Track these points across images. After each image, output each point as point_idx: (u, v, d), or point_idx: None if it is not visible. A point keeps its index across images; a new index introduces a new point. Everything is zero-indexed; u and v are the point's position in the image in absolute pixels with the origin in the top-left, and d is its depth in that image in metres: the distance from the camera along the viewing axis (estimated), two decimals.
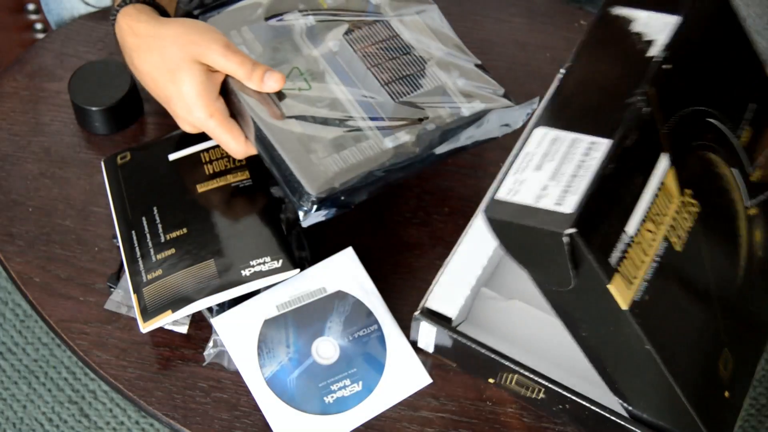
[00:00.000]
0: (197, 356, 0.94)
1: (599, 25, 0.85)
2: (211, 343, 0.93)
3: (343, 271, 0.95)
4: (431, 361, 0.94)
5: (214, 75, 0.94)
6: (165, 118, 1.09)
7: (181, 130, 1.01)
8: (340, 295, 0.94)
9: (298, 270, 0.93)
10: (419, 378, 0.93)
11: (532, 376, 0.88)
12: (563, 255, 0.72)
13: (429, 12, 1.05)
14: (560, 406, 0.89)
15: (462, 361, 0.93)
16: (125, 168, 1.01)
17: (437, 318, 0.91)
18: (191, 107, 0.93)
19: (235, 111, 0.96)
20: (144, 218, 0.97)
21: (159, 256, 0.94)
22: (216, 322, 0.92)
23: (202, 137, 1.01)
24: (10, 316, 1.68)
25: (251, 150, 0.95)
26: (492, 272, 0.98)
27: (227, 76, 0.95)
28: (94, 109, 1.06)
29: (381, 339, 0.93)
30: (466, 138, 0.96)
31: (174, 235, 0.95)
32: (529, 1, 1.21)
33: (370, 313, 0.94)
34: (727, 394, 0.84)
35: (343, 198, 0.91)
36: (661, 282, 0.77)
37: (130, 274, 0.94)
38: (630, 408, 0.85)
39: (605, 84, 0.81)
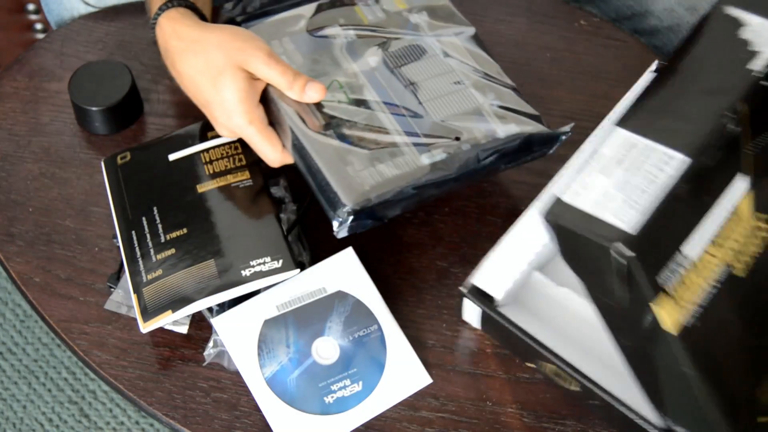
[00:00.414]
0: (197, 356, 0.94)
1: (707, 23, 0.81)
2: (211, 343, 0.93)
3: (344, 271, 0.95)
4: (432, 360, 0.94)
5: (256, 83, 0.94)
6: (165, 118, 1.09)
7: (180, 130, 1.02)
8: (340, 295, 0.94)
9: (298, 270, 0.93)
10: (419, 378, 0.93)
11: (568, 369, 0.87)
12: (617, 274, 0.70)
13: (467, 33, 1.06)
14: (593, 402, 0.87)
15: (503, 342, 0.92)
16: (125, 168, 1.01)
17: (482, 297, 0.90)
18: (231, 113, 0.93)
19: (273, 119, 0.96)
20: (144, 218, 0.97)
21: (159, 256, 0.94)
22: (216, 322, 0.92)
23: (202, 138, 1.01)
24: (10, 316, 1.68)
25: (287, 159, 0.95)
26: (549, 257, 0.95)
27: (268, 84, 0.95)
28: (94, 109, 1.06)
29: (381, 339, 0.93)
30: (499, 159, 0.97)
31: (174, 235, 0.95)
32: (529, 1, 1.21)
33: (370, 313, 0.94)
34: (764, 419, 0.82)
35: (377, 211, 0.92)
36: (716, 308, 0.74)
37: (130, 274, 0.94)
38: (664, 416, 0.83)
39: (697, 91, 0.77)
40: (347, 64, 1.00)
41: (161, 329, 0.95)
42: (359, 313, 0.93)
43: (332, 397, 0.90)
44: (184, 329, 0.95)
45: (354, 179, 0.91)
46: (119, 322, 0.96)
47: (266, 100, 0.96)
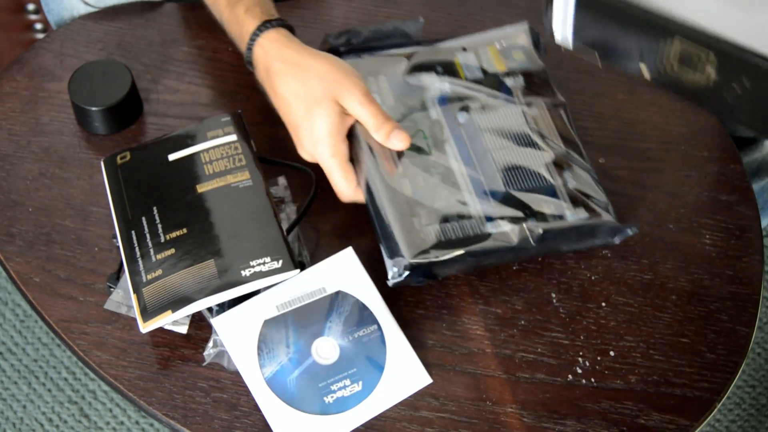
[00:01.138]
0: (197, 356, 0.94)
1: None
2: (211, 343, 0.93)
3: (343, 271, 0.95)
4: (431, 359, 0.94)
5: (347, 117, 0.97)
6: (165, 118, 1.09)
7: (179, 130, 1.02)
8: (340, 295, 0.94)
9: (298, 270, 0.93)
10: (419, 378, 0.93)
11: (700, 37, 0.69)
12: None
13: (557, 107, 1.05)
14: (736, 84, 0.70)
15: (609, 43, 0.77)
16: (125, 168, 1.01)
17: None
18: (318, 142, 0.96)
19: (354, 155, 0.98)
20: (144, 218, 0.97)
21: (159, 256, 0.94)
22: (216, 322, 0.92)
23: (202, 138, 1.01)
24: (10, 316, 1.68)
25: (359, 197, 0.97)
26: None
27: (356, 121, 0.97)
28: (93, 109, 1.06)
29: (381, 339, 0.93)
30: (563, 241, 0.97)
31: (174, 235, 0.95)
32: (530, 1, 1.21)
33: (370, 313, 0.94)
34: None
35: (433, 269, 0.94)
36: None
37: (130, 274, 0.94)
38: None
39: None
40: (436, 114, 1.01)
41: (161, 329, 0.95)
42: (359, 313, 0.93)
43: (332, 397, 0.90)
44: (183, 329, 0.95)
45: (418, 233, 0.93)
46: (119, 322, 0.96)
47: (351, 135, 0.98)
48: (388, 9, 1.18)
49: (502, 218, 0.96)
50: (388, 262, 0.93)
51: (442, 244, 0.93)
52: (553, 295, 0.99)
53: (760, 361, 1.67)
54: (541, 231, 0.95)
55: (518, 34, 1.09)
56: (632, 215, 1.02)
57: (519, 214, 0.96)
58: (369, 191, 0.96)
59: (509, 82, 1.05)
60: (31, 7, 1.44)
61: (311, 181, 1.00)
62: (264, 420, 0.90)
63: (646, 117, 1.10)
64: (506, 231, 0.95)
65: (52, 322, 0.96)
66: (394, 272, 0.92)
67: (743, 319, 0.99)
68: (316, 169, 0.99)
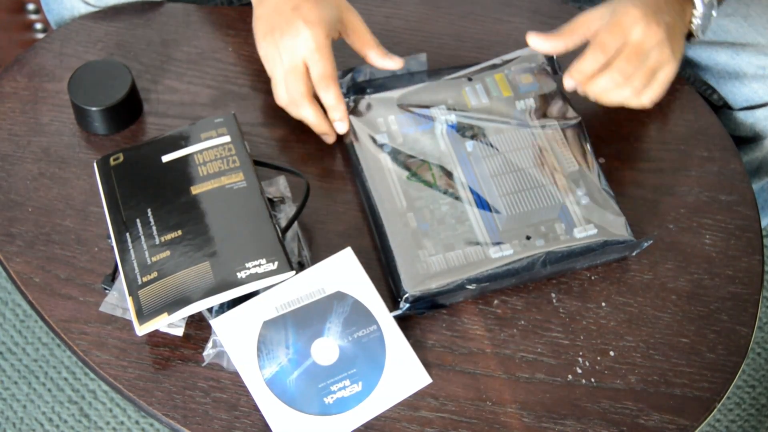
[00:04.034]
0: (197, 356, 0.94)
1: None
2: (210, 344, 0.93)
3: (342, 272, 0.95)
4: (431, 359, 0.94)
5: (338, 27, 1.04)
6: (164, 118, 1.09)
7: (172, 131, 1.02)
8: (339, 296, 0.94)
9: (294, 272, 0.93)
10: (419, 378, 0.93)
11: None
12: None
13: (571, 125, 1.05)
14: None
15: None
16: (118, 169, 1.01)
17: None
18: (319, 23, 1.01)
19: (360, 194, 1.02)
20: (138, 220, 0.96)
21: (154, 258, 0.94)
22: (215, 323, 0.92)
23: (195, 139, 1.01)
24: (10, 316, 1.68)
25: (334, 85, 1.02)
26: None
27: (360, 160, 1.02)
28: (93, 109, 1.06)
29: (380, 339, 0.93)
30: (573, 262, 0.98)
31: (169, 237, 0.95)
32: (530, 0, 1.21)
33: (369, 314, 0.93)
34: None
35: (437, 299, 0.95)
36: None
37: (125, 277, 0.94)
38: None
39: None
40: (444, 145, 1.03)
41: (158, 330, 0.95)
42: (358, 313, 0.93)
43: (332, 397, 0.90)
44: (179, 331, 0.94)
45: (422, 264, 0.95)
46: (119, 322, 0.96)
47: (357, 173, 1.02)
48: (387, 9, 1.18)
49: (506, 242, 0.97)
50: (394, 292, 0.96)
51: (444, 273, 0.95)
52: (553, 295, 0.99)
53: (760, 361, 1.66)
54: (545, 252, 0.96)
55: (528, 57, 1.09)
56: (632, 215, 1.02)
57: (525, 237, 0.97)
58: (376, 225, 0.99)
59: (520, 105, 1.06)
60: (31, 7, 1.44)
61: (307, 181, 1.00)
62: (264, 420, 0.90)
63: (646, 117, 1.10)
64: (509, 254, 0.96)
65: (52, 322, 0.96)
66: (399, 305, 0.94)
67: (743, 319, 0.99)
68: (309, 173, 1.00)
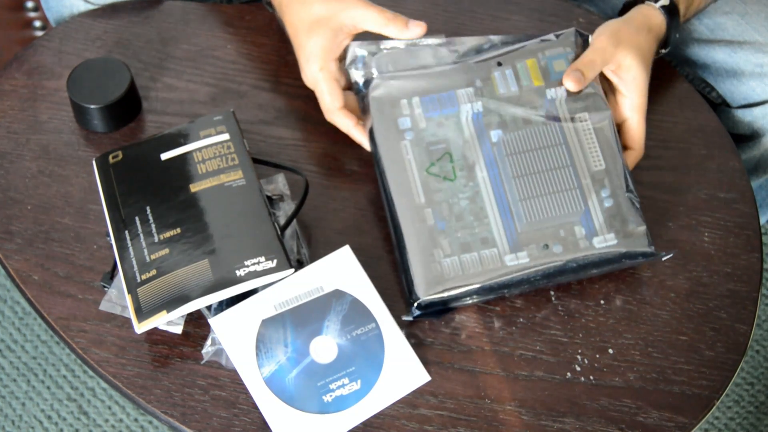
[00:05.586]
0: (196, 354, 0.94)
1: None
2: (209, 341, 0.93)
3: (341, 270, 0.95)
4: (430, 357, 0.94)
5: (341, 39, 1.03)
6: (163, 115, 1.09)
7: (171, 129, 1.02)
8: (337, 294, 0.94)
9: (293, 270, 0.93)
10: (418, 376, 0.93)
11: None
12: None
13: (601, 119, 1.00)
14: None
15: None
16: (117, 167, 1.01)
17: None
18: (310, 57, 1.03)
19: (381, 185, 0.99)
20: (137, 218, 0.96)
21: (153, 256, 0.94)
22: (214, 322, 0.92)
23: (194, 137, 1.01)
24: (8, 313, 1.68)
25: (340, 118, 1.03)
26: None
27: (380, 152, 0.99)
28: (92, 106, 1.06)
29: (379, 337, 0.93)
30: (589, 270, 0.97)
31: (168, 234, 0.95)
32: None
33: (367, 312, 0.94)
34: None
35: (449, 302, 0.95)
36: None
37: (124, 274, 0.94)
38: None
39: None
40: (468, 133, 0.99)
41: (157, 328, 0.95)
42: (357, 311, 0.93)
43: (331, 395, 0.90)
44: (178, 329, 0.94)
45: (436, 266, 0.94)
46: (117, 320, 0.96)
47: (377, 160, 0.99)
48: (386, 5, 1.18)
49: (523, 248, 0.95)
50: (406, 293, 0.96)
51: (458, 278, 0.94)
52: (552, 293, 0.99)
53: (759, 359, 1.67)
54: (563, 261, 0.95)
55: (562, 42, 1.03)
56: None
57: (543, 246, 0.95)
58: (392, 220, 0.97)
59: (550, 94, 1.00)
60: (30, 4, 1.44)
61: (306, 179, 1.00)
62: (263, 418, 0.90)
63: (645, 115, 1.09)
64: (526, 263, 0.95)
65: (51, 320, 0.96)
66: (411, 310, 0.94)
67: (742, 316, 0.99)
68: (308, 171, 0.99)
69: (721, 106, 1.22)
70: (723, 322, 0.98)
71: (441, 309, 0.95)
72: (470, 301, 0.96)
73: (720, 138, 1.10)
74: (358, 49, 1.02)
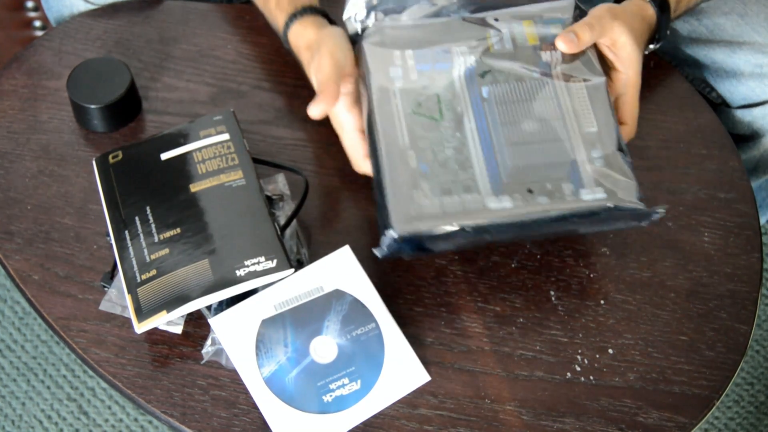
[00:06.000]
0: (195, 354, 0.94)
1: None
2: (209, 341, 0.93)
3: (341, 270, 0.95)
4: (430, 357, 0.94)
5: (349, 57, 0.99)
6: (163, 115, 1.09)
7: (171, 129, 1.02)
8: (337, 294, 0.94)
9: (292, 270, 0.93)
10: (418, 376, 0.93)
11: None
12: None
13: (594, 83, 0.99)
14: None
15: None
16: (117, 167, 1.01)
17: None
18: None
19: (365, 126, 0.97)
20: (137, 218, 0.96)
21: (153, 256, 0.94)
22: (214, 322, 0.92)
23: (194, 137, 1.01)
24: (8, 313, 1.68)
25: (366, 168, 0.98)
26: None
27: (370, 93, 0.97)
28: (92, 106, 1.06)
29: (379, 337, 0.93)
30: (574, 224, 0.93)
31: (168, 234, 0.95)
32: None
33: (367, 312, 0.94)
34: None
35: (425, 243, 0.91)
36: None
37: (124, 274, 0.94)
38: None
39: None
40: (459, 87, 0.98)
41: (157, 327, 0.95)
42: (357, 311, 0.93)
43: (331, 395, 0.90)
44: (178, 329, 0.94)
45: (413, 204, 0.91)
46: (117, 319, 0.96)
47: (367, 109, 0.97)
48: None
49: (507, 193, 0.92)
50: (380, 230, 0.91)
51: (436, 217, 0.90)
52: (552, 293, 0.99)
53: (759, 359, 1.67)
54: (547, 209, 0.92)
55: (560, 9, 1.03)
56: None
57: (527, 190, 0.92)
58: (374, 158, 0.95)
59: (545, 56, 1.00)
60: (30, 4, 1.44)
61: (306, 179, 1.00)
62: (263, 418, 0.90)
63: (645, 115, 1.09)
64: (508, 207, 0.91)
65: (51, 320, 0.96)
66: (382, 241, 0.90)
67: (742, 316, 0.99)
68: (308, 171, 0.99)
69: (720, 107, 1.22)
70: (723, 323, 0.98)
71: (415, 246, 0.91)
72: (448, 246, 0.93)
73: (720, 138, 1.10)
74: (356, 2, 1.02)
